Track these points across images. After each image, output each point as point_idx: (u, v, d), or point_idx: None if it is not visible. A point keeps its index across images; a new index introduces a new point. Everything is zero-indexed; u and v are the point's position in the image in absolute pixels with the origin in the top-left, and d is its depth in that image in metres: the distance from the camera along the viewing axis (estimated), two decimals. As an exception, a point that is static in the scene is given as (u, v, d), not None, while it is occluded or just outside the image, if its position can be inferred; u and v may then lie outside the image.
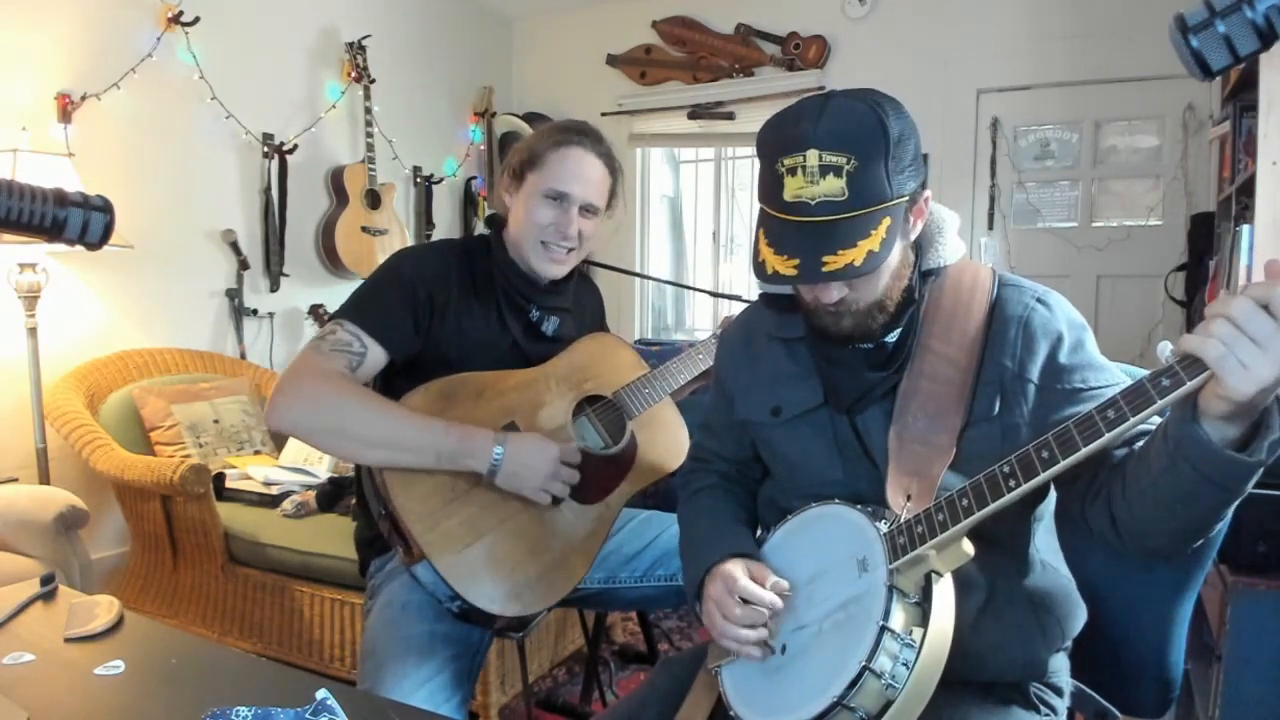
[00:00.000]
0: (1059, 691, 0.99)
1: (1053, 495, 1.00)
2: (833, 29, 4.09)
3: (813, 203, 0.86)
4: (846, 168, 0.85)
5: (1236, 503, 0.77)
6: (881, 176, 0.87)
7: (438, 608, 1.26)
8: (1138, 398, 0.72)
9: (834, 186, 0.85)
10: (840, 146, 0.85)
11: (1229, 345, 0.66)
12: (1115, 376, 0.93)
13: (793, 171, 0.87)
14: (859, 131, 0.86)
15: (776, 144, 0.89)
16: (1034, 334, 0.94)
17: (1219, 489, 0.74)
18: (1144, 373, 1.05)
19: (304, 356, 1.28)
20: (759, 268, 0.90)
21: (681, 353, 1.56)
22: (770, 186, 0.90)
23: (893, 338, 0.98)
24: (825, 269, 0.86)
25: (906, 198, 0.90)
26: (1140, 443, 0.84)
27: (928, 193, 0.96)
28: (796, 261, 0.87)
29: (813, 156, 0.85)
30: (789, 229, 0.88)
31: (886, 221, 0.87)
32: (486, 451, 1.24)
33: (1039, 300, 0.97)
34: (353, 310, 1.31)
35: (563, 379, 1.43)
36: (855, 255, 0.85)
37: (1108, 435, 0.74)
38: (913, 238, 0.98)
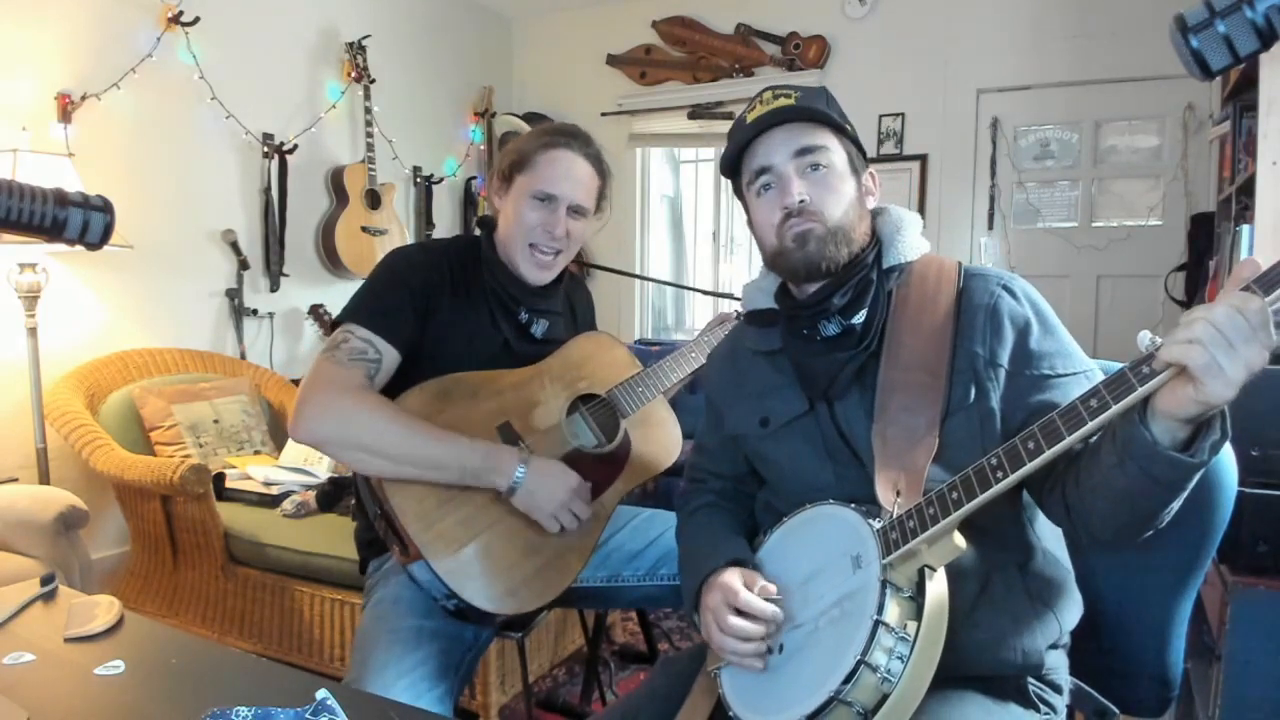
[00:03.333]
0: (1058, 689, 0.99)
1: None
2: (833, 29, 4.09)
3: (768, 111, 1.02)
4: (795, 95, 1.03)
5: (1181, 498, 0.81)
6: (823, 107, 1.03)
7: (431, 604, 1.26)
8: (1120, 386, 0.75)
9: (786, 102, 1.02)
10: (790, 90, 1.03)
11: (1213, 351, 0.68)
12: (1082, 363, 0.96)
13: (752, 109, 1.04)
14: (804, 88, 1.05)
15: (742, 114, 1.06)
16: (1001, 320, 0.97)
17: (1163, 487, 0.78)
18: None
19: (322, 368, 1.26)
20: (721, 163, 1.08)
21: (675, 350, 1.57)
22: (736, 137, 1.05)
23: (859, 319, 1.00)
24: (780, 110, 1.00)
25: (849, 129, 1.04)
26: (1095, 438, 0.86)
27: (873, 172, 1.09)
28: (757, 126, 1.01)
29: (767, 94, 1.04)
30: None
31: (832, 122, 1.02)
32: (511, 469, 1.25)
33: (1004, 287, 0.99)
34: (361, 314, 1.31)
35: (557, 378, 1.43)
36: (809, 108, 1.01)
37: (1091, 424, 0.76)
38: (867, 203, 1.06)
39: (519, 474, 1.25)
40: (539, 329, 1.44)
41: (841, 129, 1.03)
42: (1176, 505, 0.82)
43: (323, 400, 1.24)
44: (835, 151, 1.02)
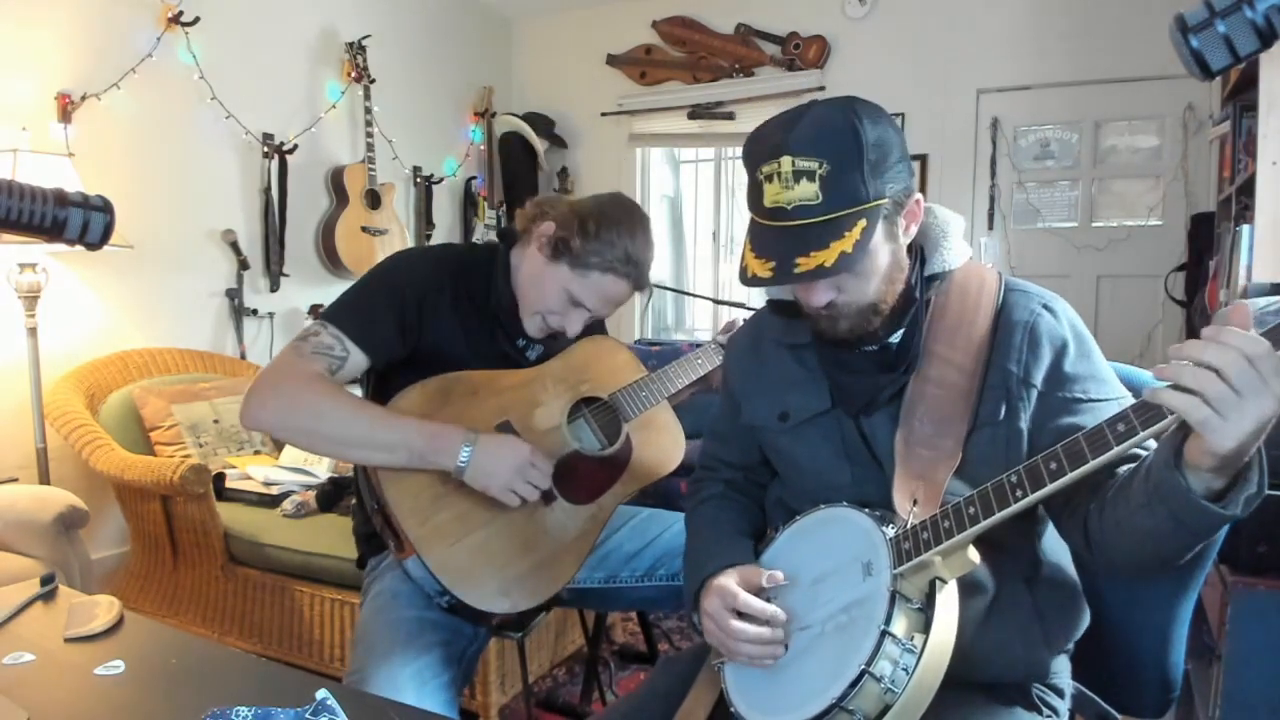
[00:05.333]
0: (1060, 693, 0.99)
1: None
2: (833, 29, 4.09)
3: (789, 208, 0.89)
4: (819, 172, 0.87)
5: (1205, 543, 0.79)
6: (856, 181, 0.88)
7: (429, 598, 1.27)
8: (1148, 412, 0.72)
9: (808, 191, 0.88)
10: (813, 152, 0.88)
11: (1212, 402, 0.67)
12: (1116, 390, 0.94)
13: (770, 178, 0.90)
14: (832, 138, 0.88)
15: (756, 153, 0.92)
16: (1039, 340, 0.95)
17: (1190, 533, 0.77)
18: (1144, 373, 1.06)
19: (284, 357, 1.27)
20: (741, 272, 0.94)
21: (681, 356, 1.56)
22: (754, 195, 0.93)
23: (896, 338, 0.98)
24: (797, 270, 0.88)
25: (887, 200, 0.90)
26: (1123, 468, 0.85)
27: (918, 196, 0.96)
28: (773, 264, 0.89)
29: (786, 163, 0.88)
30: (769, 234, 0.91)
31: (862, 224, 0.88)
32: (455, 450, 1.23)
33: (1045, 306, 0.97)
34: (339, 313, 1.31)
35: (560, 379, 1.43)
36: (826, 257, 0.87)
37: (1117, 449, 0.74)
38: (906, 240, 0.97)
39: (465, 453, 1.23)
40: (534, 353, 1.45)
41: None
42: (1199, 547, 0.80)
43: (273, 385, 1.24)
44: (865, 234, 0.88)
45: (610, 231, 1.33)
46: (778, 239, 0.90)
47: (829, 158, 0.88)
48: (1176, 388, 0.69)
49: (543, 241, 1.36)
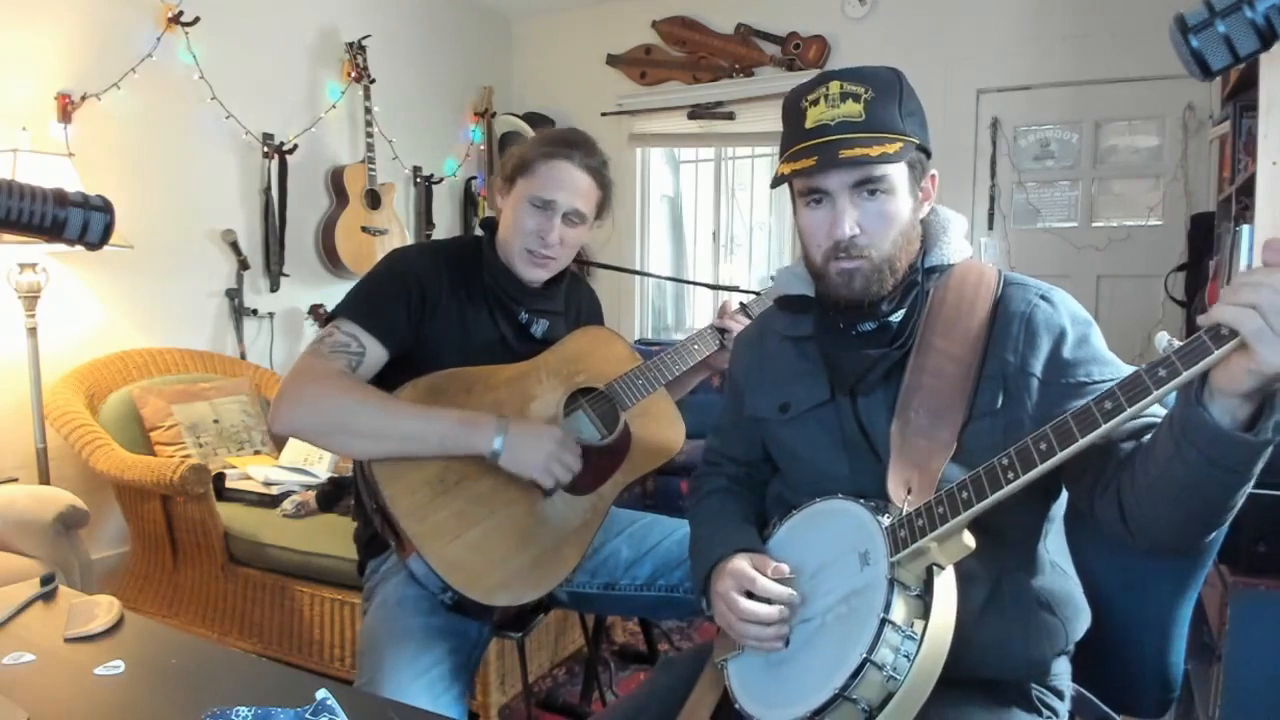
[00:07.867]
0: (1060, 695, 0.99)
1: (1065, 495, 1.00)
2: (833, 29, 4.09)
3: (833, 123, 0.94)
4: (865, 95, 0.94)
5: (1246, 489, 0.76)
6: (895, 113, 0.95)
7: (433, 602, 1.27)
8: (1134, 388, 0.73)
9: (853, 109, 0.94)
10: (859, 81, 0.95)
11: (1268, 316, 0.65)
12: (1121, 369, 0.93)
13: (815, 102, 0.96)
14: (876, 74, 0.96)
15: (801, 91, 0.98)
16: (1036, 329, 0.95)
17: (1226, 472, 0.74)
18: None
19: (303, 360, 1.30)
20: (774, 180, 0.98)
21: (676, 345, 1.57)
22: (795, 122, 0.97)
23: (897, 317, 1.00)
24: (842, 156, 0.91)
25: (917, 141, 0.96)
26: (1148, 435, 0.84)
27: (934, 173, 1.02)
28: (814, 159, 0.92)
29: (834, 86, 0.95)
30: (809, 148, 0.94)
31: (899, 145, 0.92)
32: (489, 434, 1.26)
33: (1042, 297, 0.98)
34: (349, 309, 1.34)
35: (554, 372, 1.44)
36: (869, 150, 0.91)
37: (1105, 426, 0.74)
38: (921, 209, 1.01)
39: (499, 438, 1.26)
40: (539, 329, 1.45)
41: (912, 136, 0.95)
42: (1241, 498, 0.78)
43: (297, 389, 1.27)
44: (898, 172, 0.96)
45: (541, 134, 1.51)
46: (821, 145, 0.93)
47: (874, 87, 0.95)
48: (1231, 304, 0.67)
49: (501, 188, 1.47)
